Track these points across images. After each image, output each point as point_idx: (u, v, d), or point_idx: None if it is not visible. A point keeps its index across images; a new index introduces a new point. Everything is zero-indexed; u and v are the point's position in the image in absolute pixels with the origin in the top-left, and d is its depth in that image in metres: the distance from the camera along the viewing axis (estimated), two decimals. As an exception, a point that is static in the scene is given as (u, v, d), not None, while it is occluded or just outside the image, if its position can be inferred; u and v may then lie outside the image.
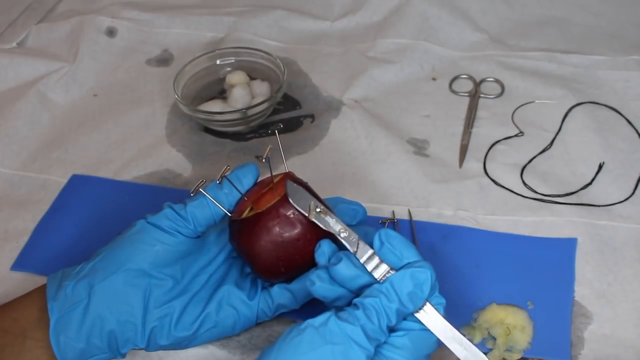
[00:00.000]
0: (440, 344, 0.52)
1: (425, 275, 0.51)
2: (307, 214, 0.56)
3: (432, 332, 0.51)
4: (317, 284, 0.54)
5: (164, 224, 0.59)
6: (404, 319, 0.52)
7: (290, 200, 0.56)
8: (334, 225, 0.55)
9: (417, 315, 0.51)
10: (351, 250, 0.53)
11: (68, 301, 0.57)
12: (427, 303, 0.52)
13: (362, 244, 0.53)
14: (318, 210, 0.55)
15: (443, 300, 0.53)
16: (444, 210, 0.74)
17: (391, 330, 0.52)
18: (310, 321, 0.51)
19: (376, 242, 0.53)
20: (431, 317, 0.51)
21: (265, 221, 0.57)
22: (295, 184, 0.57)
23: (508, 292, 0.65)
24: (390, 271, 0.52)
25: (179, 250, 0.59)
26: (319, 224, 0.55)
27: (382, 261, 0.52)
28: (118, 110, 0.91)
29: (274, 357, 0.50)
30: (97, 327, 0.57)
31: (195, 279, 0.60)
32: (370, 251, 0.53)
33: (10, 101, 0.92)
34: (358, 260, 0.53)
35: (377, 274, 0.52)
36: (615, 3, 0.98)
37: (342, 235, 0.54)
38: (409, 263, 0.52)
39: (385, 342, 0.51)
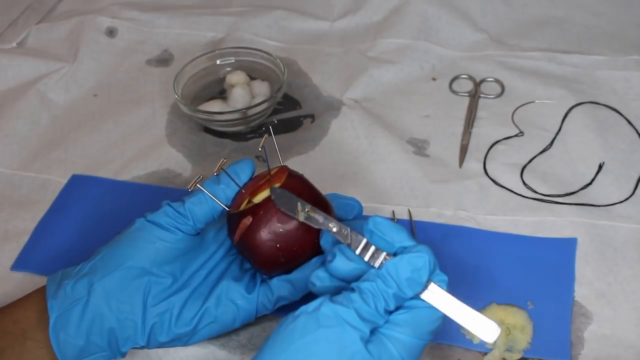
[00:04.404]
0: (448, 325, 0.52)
1: (422, 260, 0.50)
2: (295, 216, 0.56)
3: (437, 309, 0.51)
4: (318, 284, 0.54)
5: (163, 222, 0.60)
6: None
7: (278, 205, 0.56)
8: (323, 221, 0.55)
9: (422, 296, 0.51)
10: (345, 243, 0.53)
11: (68, 299, 0.57)
12: (431, 282, 0.51)
13: (354, 235, 0.53)
14: (306, 209, 0.56)
15: (445, 277, 0.52)
16: (444, 210, 0.74)
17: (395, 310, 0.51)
18: (303, 307, 0.51)
19: (366, 232, 0.53)
20: (436, 295, 0.51)
21: (264, 212, 0.57)
22: (279, 189, 0.57)
23: (508, 292, 0.65)
24: (387, 257, 0.52)
25: (179, 247, 0.60)
26: (309, 223, 0.55)
27: (378, 249, 0.52)
28: (118, 110, 0.91)
29: (269, 346, 0.50)
30: (97, 325, 0.57)
31: (194, 275, 0.61)
32: (365, 240, 0.53)
33: (10, 101, 0.92)
34: (353, 252, 0.53)
35: (377, 262, 0.52)
36: (615, 3, 0.98)
37: (333, 230, 0.54)
38: (406, 248, 0.52)
39: (386, 321, 0.51)
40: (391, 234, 0.52)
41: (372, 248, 0.52)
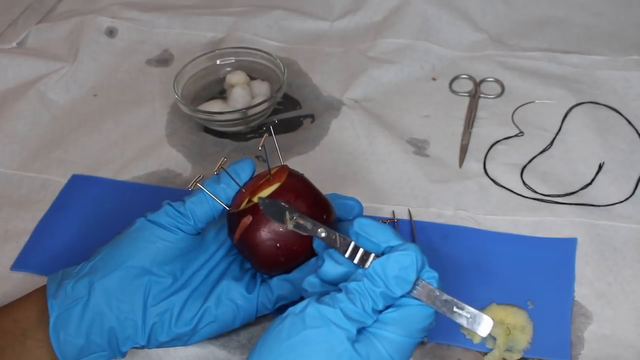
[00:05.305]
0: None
1: (410, 258, 0.50)
2: (284, 225, 0.55)
3: (428, 306, 0.51)
4: (310, 290, 0.54)
5: (164, 221, 0.60)
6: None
7: (267, 215, 0.56)
8: (311, 227, 0.55)
9: (412, 294, 0.51)
10: (334, 248, 0.53)
11: (68, 298, 0.57)
12: (420, 280, 0.51)
13: (342, 239, 0.53)
14: (294, 217, 0.55)
15: (435, 274, 0.51)
16: (444, 210, 0.74)
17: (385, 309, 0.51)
18: (291, 309, 0.51)
19: (352, 234, 0.53)
20: (426, 292, 0.51)
21: None
22: (267, 199, 0.57)
23: (508, 292, 0.65)
24: (376, 258, 0.52)
25: (179, 247, 0.60)
26: (297, 231, 0.55)
27: (367, 251, 0.52)
28: (118, 110, 0.91)
29: (259, 347, 0.50)
30: (97, 324, 0.57)
31: (194, 275, 0.61)
32: (353, 243, 0.53)
33: (10, 101, 0.92)
34: (342, 255, 0.53)
35: (367, 264, 0.52)
36: (615, 3, 0.98)
37: (322, 235, 0.54)
38: (392, 247, 0.52)
39: (375, 321, 0.50)
40: (377, 234, 0.52)
41: (361, 250, 0.52)
